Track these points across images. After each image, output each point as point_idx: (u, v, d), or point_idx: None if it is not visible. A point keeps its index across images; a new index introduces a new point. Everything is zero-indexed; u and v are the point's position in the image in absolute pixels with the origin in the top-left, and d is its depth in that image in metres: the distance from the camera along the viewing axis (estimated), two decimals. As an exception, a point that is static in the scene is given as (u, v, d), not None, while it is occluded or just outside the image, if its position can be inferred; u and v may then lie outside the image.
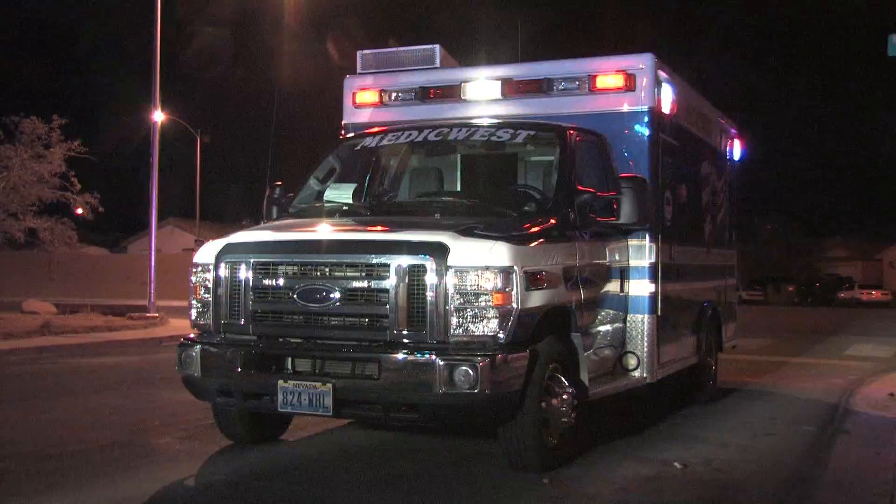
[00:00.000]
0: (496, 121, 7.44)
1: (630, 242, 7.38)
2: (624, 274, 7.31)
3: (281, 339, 5.93)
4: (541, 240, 6.02)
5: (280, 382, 5.69)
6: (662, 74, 7.72)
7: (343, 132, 8.45)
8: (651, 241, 7.42)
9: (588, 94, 7.62)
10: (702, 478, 6.00)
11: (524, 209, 6.59)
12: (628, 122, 7.54)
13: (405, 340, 5.53)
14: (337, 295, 5.66)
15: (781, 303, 51.87)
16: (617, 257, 7.25)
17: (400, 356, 5.46)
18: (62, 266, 37.81)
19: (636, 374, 7.36)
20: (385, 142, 7.58)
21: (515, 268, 5.49)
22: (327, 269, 5.75)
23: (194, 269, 6.20)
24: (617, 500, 5.47)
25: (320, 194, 7.27)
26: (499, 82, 7.90)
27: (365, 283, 5.62)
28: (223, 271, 6.01)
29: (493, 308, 5.43)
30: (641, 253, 7.41)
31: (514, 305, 5.48)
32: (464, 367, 5.31)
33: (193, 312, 6.21)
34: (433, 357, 5.36)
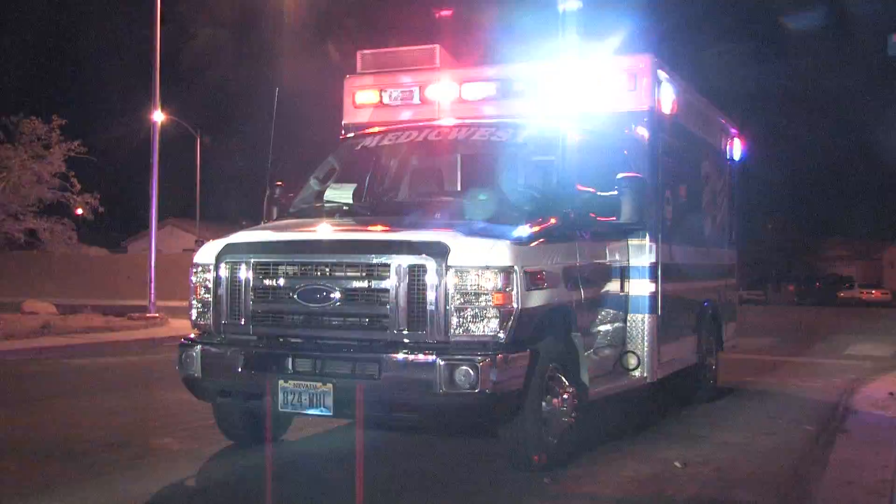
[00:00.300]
0: (496, 121, 7.44)
1: (630, 242, 7.38)
2: (624, 273, 7.32)
3: (281, 339, 5.93)
4: (541, 239, 6.02)
5: (280, 382, 5.69)
6: (662, 74, 7.72)
7: (343, 132, 8.45)
8: (651, 240, 7.42)
9: (588, 93, 7.62)
10: (702, 477, 6.01)
11: (524, 209, 6.58)
12: (628, 121, 7.54)
13: (406, 340, 5.53)
14: (337, 295, 5.66)
15: (781, 302, 51.87)
16: (617, 257, 7.25)
17: (400, 356, 5.46)
18: (62, 266, 37.83)
19: (636, 373, 7.36)
20: (385, 142, 7.58)
21: (516, 267, 5.49)
22: (328, 269, 5.75)
23: (194, 270, 6.20)
24: (617, 500, 5.47)
25: (320, 194, 7.27)
26: (499, 82, 7.90)
27: (365, 283, 5.62)
28: (223, 271, 6.01)
29: (493, 308, 5.43)
30: (641, 252, 7.42)
31: (515, 305, 5.48)
32: (464, 367, 5.31)
33: (194, 312, 6.21)
34: (434, 357, 5.36)
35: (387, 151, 7.83)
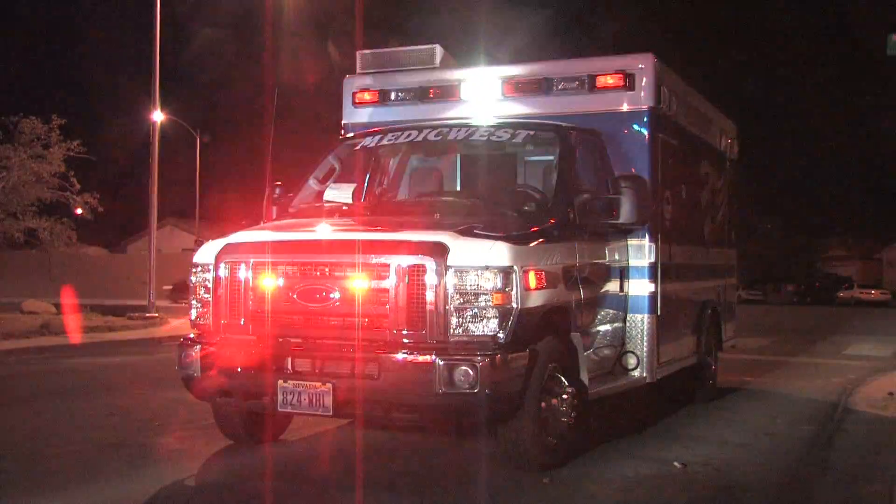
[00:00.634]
0: (496, 121, 7.44)
1: (630, 242, 7.38)
2: (624, 273, 7.32)
3: (281, 339, 5.93)
4: (540, 239, 6.02)
5: (280, 382, 5.69)
6: (663, 74, 7.72)
7: (343, 132, 8.44)
8: (651, 240, 7.42)
9: (588, 93, 7.62)
10: (702, 477, 6.01)
11: (524, 209, 6.59)
12: (628, 121, 7.53)
13: (405, 340, 5.52)
14: (337, 295, 5.66)
15: (781, 302, 51.87)
16: (616, 257, 7.25)
17: (400, 356, 5.46)
18: (62, 266, 37.84)
19: (636, 373, 7.36)
20: (385, 142, 7.58)
21: (515, 267, 5.49)
22: (327, 269, 5.75)
23: (194, 269, 6.20)
24: (617, 500, 5.47)
25: (320, 194, 7.27)
26: (498, 82, 7.89)
27: (365, 283, 5.61)
28: (223, 271, 6.01)
29: (492, 308, 5.43)
30: (641, 252, 7.41)
31: (514, 305, 5.48)
32: (464, 367, 5.31)
33: (193, 312, 6.21)
34: (433, 357, 5.36)
35: (387, 151, 7.84)
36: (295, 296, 5.77)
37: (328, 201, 7.13)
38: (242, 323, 5.96)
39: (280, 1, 23.90)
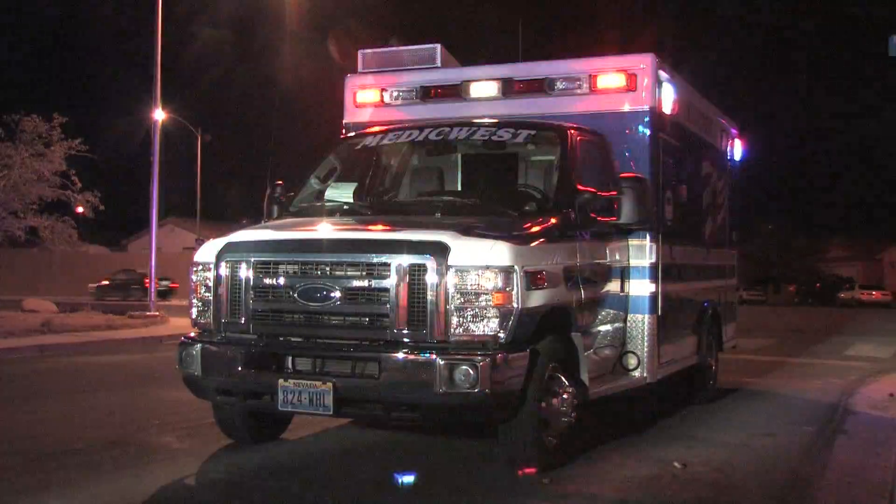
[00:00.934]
0: (497, 120, 7.44)
1: (630, 242, 7.38)
2: (624, 274, 7.31)
3: (281, 339, 5.93)
4: (541, 239, 6.02)
5: (280, 381, 5.69)
6: (663, 74, 7.72)
7: (344, 131, 8.44)
8: (651, 240, 7.42)
9: (589, 93, 7.62)
10: (702, 477, 6.00)
11: (525, 209, 6.59)
12: (629, 121, 7.53)
13: (406, 340, 5.52)
14: (337, 294, 5.66)
15: (782, 303, 51.93)
16: (617, 257, 7.25)
17: (400, 355, 5.46)
18: (63, 264, 37.84)
19: (636, 373, 7.36)
20: (386, 141, 7.58)
21: (516, 267, 5.49)
22: (328, 269, 5.75)
23: (195, 268, 6.20)
24: (617, 500, 5.47)
25: (321, 193, 7.27)
26: (500, 82, 7.90)
27: (365, 283, 5.61)
28: (224, 270, 6.01)
29: (493, 307, 5.43)
30: (642, 253, 7.41)
31: (515, 305, 5.48)
32: (464, 367, 5.31)
33: (194, 311, 6.22)
34: (433, 356, 5.36)
35: (387, 151, 7.84)
36: (295, 295, 5.77)
37: (329, 200, 7.13)
38: (243, 322, 5.96)
39: (281, 0, 23.93)
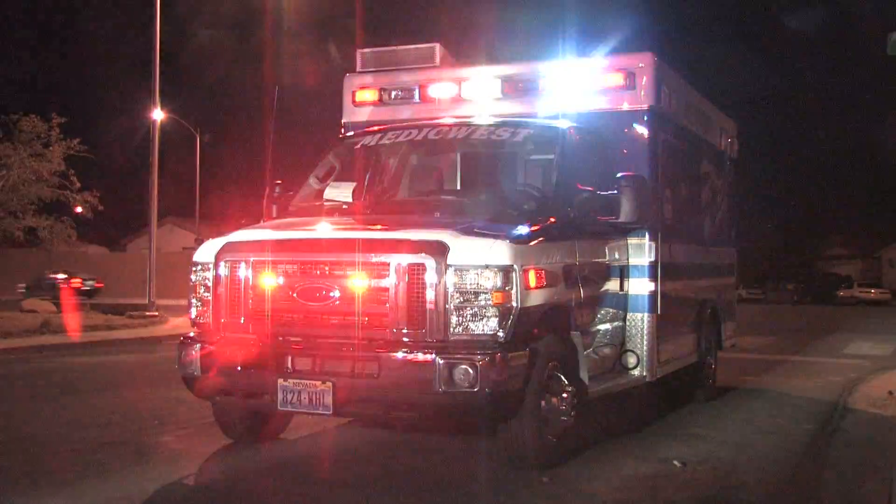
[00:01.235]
0: (496, 119, 7.44)
1: (630, 241, 7.38)
2: (624, 272, 7.32)
3: (281, 338, 5.93)
4: (540, 238, 6.01)
5: (280, 381, 5.69)
6: (662, 73, 7.72)
7: (343, 131, 8.44)
8: (651, 239, 7.42)
9: (588, 92, 7.62)
10: (701, 476, 6.01)
11: (524, 208, 6.59)
12: (628, 120, 7.53)
13: (405, 339, 5.52)
14: (337, 293, 5.66)
15: (780, 301, 51.90)
16: (617, 256, 7.25)
17: (400, 355, 5.46)
18: (62, 265, 37.80)
19: (636, 372, 7.36)
20: (385, 140, 7.57)
21: (515, 266, 5.49)
22: (327, 268, 5.74)
23: (194, 268, 6.20)
24: (616, 499, 5.47)
25: (320, 193, 7.27)
26: (499, 81, 7.89)
27: (365, 282, 5.61)
28: (223, 270, 6.01)
29: (492, 307, 5.43)
30: (641, 251, 7.41)
31: (514, 304, 5.48)
32: (463, 366, 5.31)
33: (193, 311, 6.21)
34: (433, 356, 5.36)
35: (386, 150, 7.83)
36: (295, 294, 5.77)
37: (328, 200, 7.12)
38: (242, 322, 5.95)
39: (281, 0, 23.91)
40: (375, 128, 7.82)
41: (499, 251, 5.50)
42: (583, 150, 7.00)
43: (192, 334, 6.23)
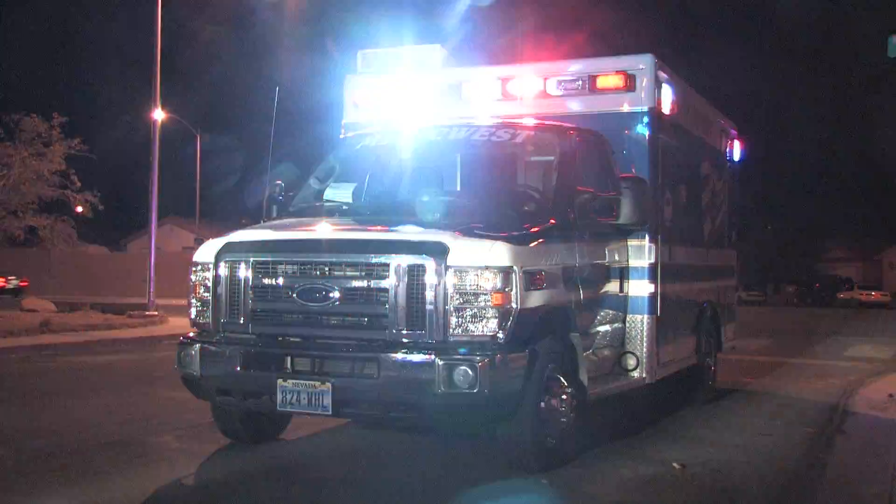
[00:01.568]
0: (496, 121, 7.44)
1: (630, 243, 7.38)
2: (623, 274, 7.31)
3: (280, 338, 5.93)
4: (540, 240, 6.01)
5: (279, 381, 5.68)
6: (662, 75, 7.72)
7: (343, 131, 8.44)
8: (650, 241, 7.42)
9: (588, 94, 7.62)
10: (701, 478, 6.01)
11: (524, 209, 6.59)
12: (628, 122, 7.53)
13: (404, 340, 5.52)
14: (336, 294, 5.66)
15: (781, 303, 51.93)
16: (616, 257, 7.25)
17: (399, 356, 5.46)
18: (62, 264, 37.83)
19: (635, 374, 7.36)
20: (385, 141, 7.57)
21: (515, 268, 5.49)
22: (327, 269, 5.75)
23: (194, 268, 6.20)
24: (616, 500, 5.47)
25: (320, 193, 7.27)
26: (499, 82, 7.90)
27: (364, 283, 5.61)
28: (223, 270, 6.01)
29: (492, 308, 5.43)
30: (641, 253, 7.41)
31: (514, 305, 5.48)
32: (463, 367, 5.31)
33: (193, 311, 6.21)
34: (432, 357, 5.36)
35: (387, 151, 7.83)
36: (294, 295, 5.77)
37: (328, 200, 7.13)
38: (242, 322, 5.95)
39: (281, 0, 23.92)
40: (375, 128, 7.82)
41: (499, 252, 5.50)
42: (582, 152, 7.00)
43: (191, 334, 6.23)
